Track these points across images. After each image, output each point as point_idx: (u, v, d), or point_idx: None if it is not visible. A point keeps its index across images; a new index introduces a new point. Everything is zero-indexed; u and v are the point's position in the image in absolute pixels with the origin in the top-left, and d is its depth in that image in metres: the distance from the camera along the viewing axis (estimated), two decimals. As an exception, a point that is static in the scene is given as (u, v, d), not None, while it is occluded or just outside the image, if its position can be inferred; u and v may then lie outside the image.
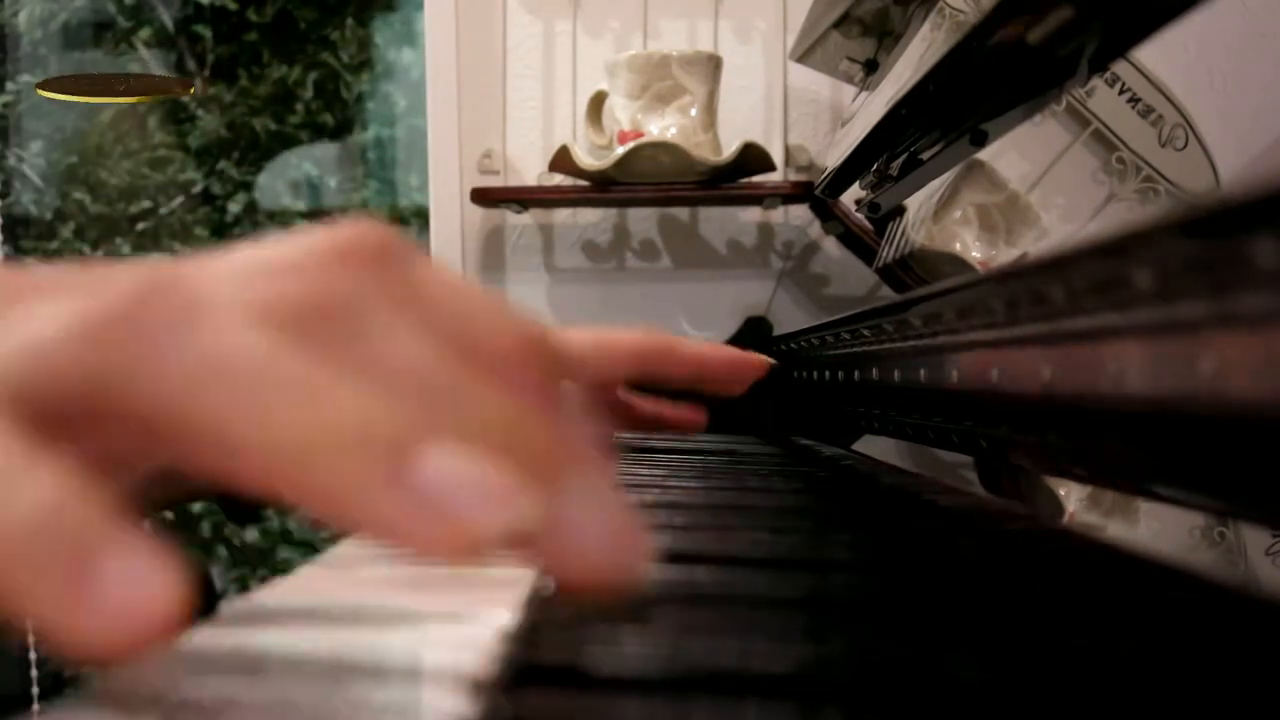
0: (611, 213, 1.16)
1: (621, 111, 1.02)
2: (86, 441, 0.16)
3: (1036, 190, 0.61)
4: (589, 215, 1.17)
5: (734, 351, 0.55)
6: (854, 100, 0.88)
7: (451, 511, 0.15)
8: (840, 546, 0.34)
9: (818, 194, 0.96)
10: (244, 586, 1.39)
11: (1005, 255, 0.62)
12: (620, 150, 0.97)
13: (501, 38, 1.14)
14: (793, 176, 1.11)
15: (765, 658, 0.20)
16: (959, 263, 0.64)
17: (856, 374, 0.61)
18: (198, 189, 1.37)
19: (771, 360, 0.56)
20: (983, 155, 0.62)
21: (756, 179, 1.03)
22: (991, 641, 0.22)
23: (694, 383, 0.53)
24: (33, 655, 1.34)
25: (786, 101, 1.12)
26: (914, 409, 0.51)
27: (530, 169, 1.14)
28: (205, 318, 0.16)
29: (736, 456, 0.64)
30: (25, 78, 1.37)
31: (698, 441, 0.79)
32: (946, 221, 0.65)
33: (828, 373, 0.71)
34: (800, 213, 1.13)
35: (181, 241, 1.36)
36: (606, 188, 1.02)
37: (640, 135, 0.99)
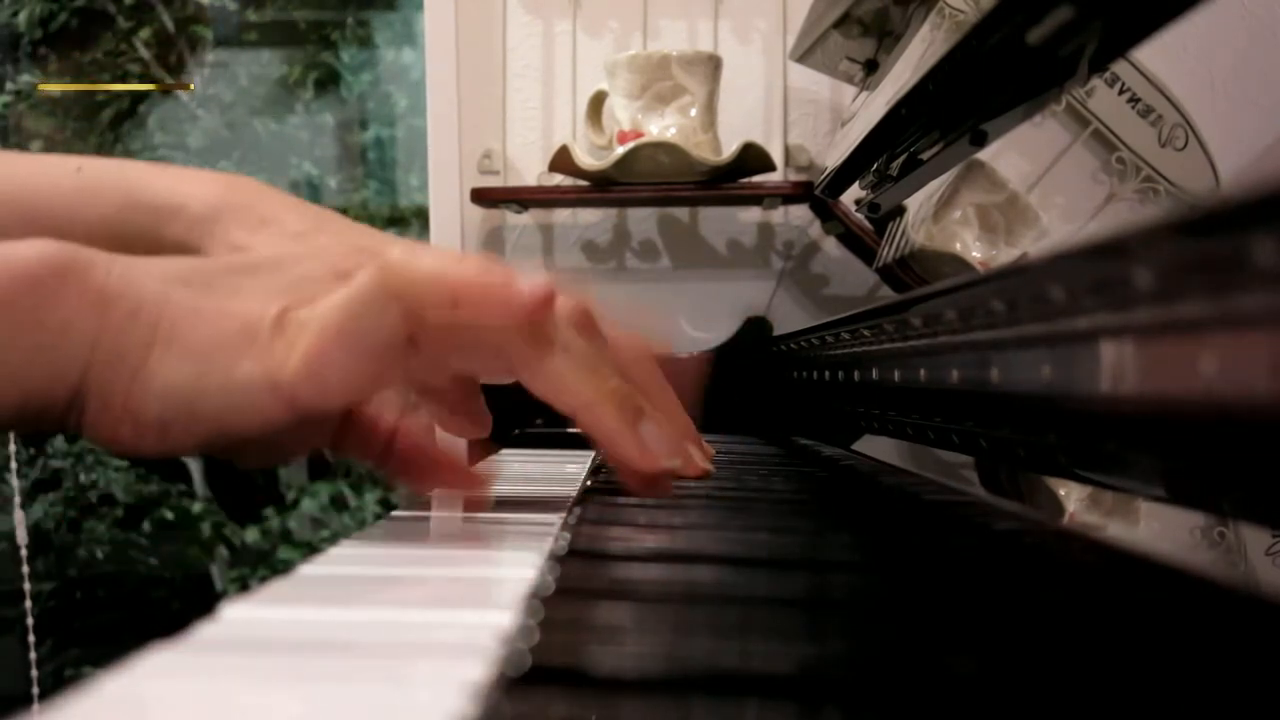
0: (611, 213, 1.16)
1: (621, 111, 1.02)
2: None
3: (1036, 190, 0.61)
4: (589, 215, 1.16)
5: None
6: (854, 100, 0.88)
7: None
8: (840, 546, 0.34)
9: (818, 194, 0.96)
10: (244, 586, 1.38)
11: (1005, 255, 0.62)
12: (620, 150, 0.97)
13: (501, 38, 1.14)
14: (793, 176, 1.11)
15: (765, 658, 0.20)
16: (959, 263, 0.64)
17: (856, 374, 0.61)
18: (198, 189, 1.36)
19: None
20: (983, 155, 0.62)
21: (756, 179, 1.02)
22: (991, 641, 0.22)
23: None
24: (33, 655, 1.34)
25: (786, 101, 1.12)
26: (914, 409, 0.51)
27: (530, 169, 1.14)
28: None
29: (736, 456, 0.64)
30: (25, 78, 1.37)
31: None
32: (946, 221, 0.65)
33: (828, 373, 0.70)
34: (800, 213, 1.13)
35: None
36: (606, 188, 1.02)
37: (640, 135, 0.99)
